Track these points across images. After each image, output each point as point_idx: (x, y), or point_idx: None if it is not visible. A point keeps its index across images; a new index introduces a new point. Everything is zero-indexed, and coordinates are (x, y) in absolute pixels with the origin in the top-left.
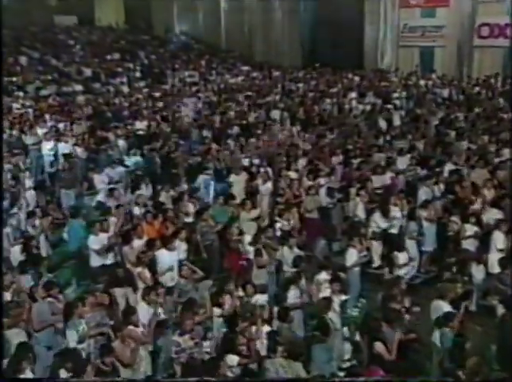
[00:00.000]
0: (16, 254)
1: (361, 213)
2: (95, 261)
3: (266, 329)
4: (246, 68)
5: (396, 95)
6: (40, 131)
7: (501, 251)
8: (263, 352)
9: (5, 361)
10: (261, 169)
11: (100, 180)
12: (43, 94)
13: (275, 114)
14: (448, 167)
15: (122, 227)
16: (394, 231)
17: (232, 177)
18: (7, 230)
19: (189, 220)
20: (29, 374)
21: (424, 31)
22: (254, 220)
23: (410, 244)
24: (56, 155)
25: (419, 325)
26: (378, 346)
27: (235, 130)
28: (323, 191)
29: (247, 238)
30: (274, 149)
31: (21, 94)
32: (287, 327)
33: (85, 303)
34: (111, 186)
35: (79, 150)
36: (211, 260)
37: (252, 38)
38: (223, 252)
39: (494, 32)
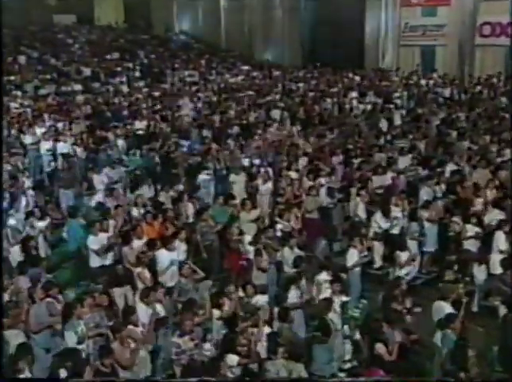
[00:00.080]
0: (15, 254)
1: (361, 213)
2: (95, 261)
3: (267, 330)
4: (246, 67)
5: (397, 94)
6: (38, 131)
7: (503, 251)
8: (264, 354)
9: (5, 361)
10: (262, 169)
11: (99, 180)
12: (42, 93)
13: (275, 113)
14: (450, 167)
15: (122, 227)
16: (395, 231)
17: (232, 177)
18: (6, 230)
19: (189, 220)
20: (27, 375)
21: (425, 30)
22: (254, 220)
23: (411, 245)
24: (54, 155)
25: (420, 326)
26: (379, 347)
27: (235, 129)
28: (323, 191)
29: (247, 238)
30: (274, 148)
31: (19, 93)
32: (288, 327)
33: (84, 304)
34: (111, 186)
35: (78, 150)
36: (211, 260)
37: (252, 37)
38: (223, 252)
39: (496, 30)
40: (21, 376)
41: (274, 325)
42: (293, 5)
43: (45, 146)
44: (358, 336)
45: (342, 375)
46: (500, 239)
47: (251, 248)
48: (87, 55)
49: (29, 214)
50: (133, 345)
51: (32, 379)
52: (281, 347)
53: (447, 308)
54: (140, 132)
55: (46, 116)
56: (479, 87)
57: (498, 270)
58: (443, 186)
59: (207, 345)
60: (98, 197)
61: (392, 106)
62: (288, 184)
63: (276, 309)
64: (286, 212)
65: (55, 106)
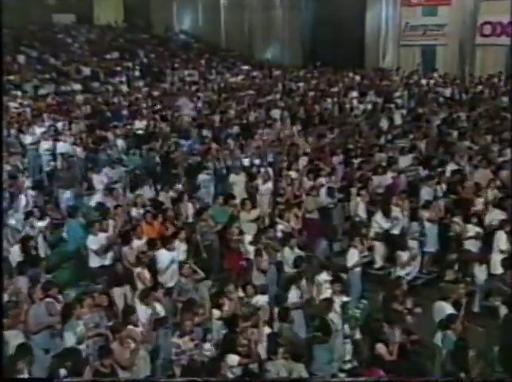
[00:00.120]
0: (15, 254)
1: (362, 213)
2: (94, 262)
3: (267, 330)
4: (246, 67)
5: (397, 94)
6: (38, 131)
7: (504, 251)
8: (264, 354)
9: (4, 362)
10: (262, 169)
11: (99, 180)
12: (41, 93)
13: (275, 113)
14: (451, 167)
15: (122, 227)
16: (396, 231)
17: (232, 177)
18: (5, 230)
19: (189, 220)
20: (26, 376)
21: (425, 30)
22: (254, 220)
23: (412, 245)
24: (54, 155)
25: (421, 327)
26: (380, 347)
27: (235, 129)
28: (323, 191)
29: (247, 238)
30: (275, 148)
31: (18, 93)
32: (288, 327)
33: (83, 304)
34: (111, 186)
35: (78, 150)
36: (211, 260)
37: (252, 37)
38: (223, 252)
39: (497, 30)
40: (21, 376)
41: (274, 325)
42: (294, 5)
43: (45, 145)
44: (358, 336)
45: (342, 375)
46: (501, 239)
47: (251, 248)
48: (87, 54)
49: (28, 214)
50: (132, 345)
51: (32, 379)
52: (281, 347)
53: (448, 308)
54: (139, 132)
55: (45, 116)
56: (479, 87)
57: (498, 270)
58: (443, 186)
59: (207, 345)
60: (98, 197)
61: (392, 105)
62: (288, 184)
63: (276, 310)
64: (286, 212)
65: (54, 105)
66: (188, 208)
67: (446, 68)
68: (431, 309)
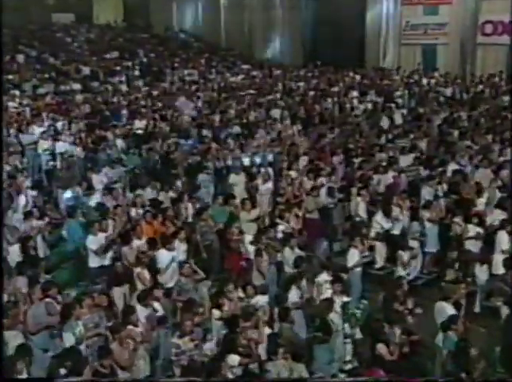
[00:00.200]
0: (14, 254)
1: (362, 213)
2: (94, 262)
3: (267, 330)
4: (246, 66)
5: (398, 93)
6: (37, 130)
7: (505, 252)
8: (264, 355)
9: (4, 362)
10: (262, 169)
11: (98, 180)
12: (40, 92)
13: (275, 113)
14: (452, 167)
15: (122, 227)
16: (397, 231)
17: (232, 177)
18: (4, 230)
19: (189, 219)
20: (25, 376)
21: (426, 29)
22: (254, 220)
23: (413, 245)
24: (53, 154)
25: (422, 327)
26: (380, 347)
27: (235, 129)
28: (323, 191)
29: (247, 238)
30: (275, 148)
31: (17, 93)
32: (288, 327)
33: (82, 305)
34: (111, 186)
35: (77, 150)
36: (211, 260)
37: (252, 36)
38: (223, 252)
39: (498, 29)
40: (20, 376)
41: (275, 325)
42: (294, 4)
43: (44, 145)
44: (358, 336)
45: (342, 375)
46: (502, 240)
47: (251, 248)
48: (86, 54)
49: (27, 214)
50: (132, 346)
51: (32, 379)
52: (281, 347)
53: (449, 309)
54: (139, 131)
55: (45, 115)
56: (480, 87)
57: (500, 270)
58: (444, 186)
59: (207, 346)
60: (97, 197)
61: (393, 105)
62: (288, 184)
63: (276, 310)
64: (286, 212)
65: (53, 105)
66: (188, 208)
67: (447, 68)
68: (432, 309)
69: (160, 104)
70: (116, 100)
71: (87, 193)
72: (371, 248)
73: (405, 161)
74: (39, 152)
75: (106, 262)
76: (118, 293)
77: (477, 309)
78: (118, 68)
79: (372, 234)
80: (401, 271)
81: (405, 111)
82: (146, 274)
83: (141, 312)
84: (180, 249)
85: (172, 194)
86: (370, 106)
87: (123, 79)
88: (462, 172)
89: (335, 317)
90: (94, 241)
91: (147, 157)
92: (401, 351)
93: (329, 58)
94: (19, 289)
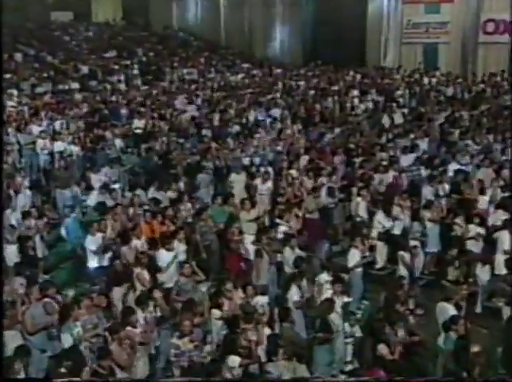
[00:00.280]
0: (12, 254)
1: (363, 213)
2: (92, 262)
3: (267, 331)
4: (246, 65)
5: (399, 92)
6: (35, 129)
7: (507, 252)
8: (264, 356)
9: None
10: (262, 169)
11: (97, 179)
12: (38, 91)
13: (275, 112)
14: (453, 166)
15: (121, 227)
16: (397, 231)
17: (232, 177)
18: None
19: (188, 220)
20: (24, 377)
21: (428, 27)
22: (253, 219)
23: (414, 245)
24: (51, 154)
25: (423, 327)
26: (381, 348)
27: (235, 128)
28: (323, 190)
29: (247, 238)
30: (275, 147)
31: (15, 92)
32: (289, 327)
33: (81, 306)
34: (112, 186)
35: (76, 149)
36: (210, 261)
37: (252, 35)
38: (223, 253)
39: (500, 28)
40: (19, 377)
41: (275, 326)
42: (294, 2)
43: (42, 144)
44: (359, 337)
45: (343, 377)
46: (504, 240)
47: (251, 248)
48: (85, 52)
49: (25, 214)
50: (131, 346)
51: (32, 379)
52: (281, 348)
53: (450, 310)
54: (138, 131)
55: (43, 115)
56: (482, 86)
57: (502, 270)
58: (446, 186)
59: (207, 347)
60: (94, 196)
61: (394, 104)
62: (288, 183)
63: (276, 310)
64: (286, 212)
65: (52, 104)
66: (188, 208)
67: (448, 67)
68: (432, 309)
69: (159, 103)
70: (115, 99)
71: (86, 193)
72: (372, 248)
73: (406, 160)
74: (37, 151)
75: (105, 262)
76: (118, 293)
77: (478, 309)
78: (117, 66)
79: (373, 234)
80: (402, 271)
81: (405, 111)
82: (146, 274)
83: (139, 314)
84: (180, 249)
85: (171, 194)
86: (370, 105)
87: (122, 78)
88: (463, 171)
89: (335, 317)
90: (92, 241)
91: (146, 156)
92: (402, 351)
93: (330, 57)
94: (17, 289)
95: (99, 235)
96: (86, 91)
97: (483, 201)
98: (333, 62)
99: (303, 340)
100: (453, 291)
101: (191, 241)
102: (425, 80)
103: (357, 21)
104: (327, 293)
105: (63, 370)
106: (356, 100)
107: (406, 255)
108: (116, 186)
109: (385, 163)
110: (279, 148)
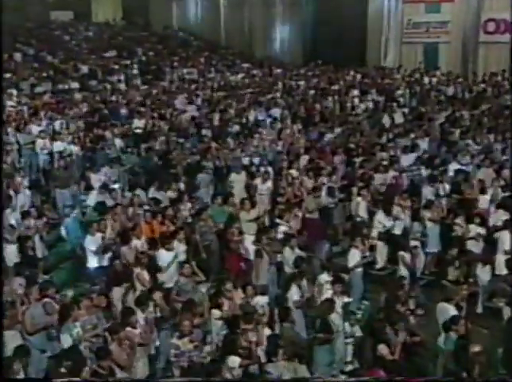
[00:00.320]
0: (11, 255)
1: (363, 213)
2: (92, 262)
3: (267, 332)
4: (246, 65)
5: (399, 92)
6: (34, 129)
7: (507, 252)
8: (264, 356)
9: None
10: (262, 169)
11: (97, 179)
12: (38, 91)
13: (275, 112)
14: (453, 166)
15: (121, 227)
16: (398, 231)
17: (233, 177)
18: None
19: (188, 220)
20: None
21: (428, 27)
22: (253, 219)
23: (414, 245)
24: (51, 154)
25: (423, 328)
26: (382, 348)
27: (235, 128)
28: (323, 190)
29: (247, 238)
30: (275, 147)
31: (14, 91)
32: (289, 327)
33: (80, 306)
34: (111, 186)
35: (75, 149)
36: (210, 261)
37: (252, 35)
38: (223, 253)
39: (500, 27)
40: (17, 377)
41: (275, 326)
42: (294, 2)
43: (41, 144)
44: (359, 337)
45: (343, 377)
46: (505, 240)
47: (251, 248)
48: (85, 52)
49: (25, 214)
50: (130, 346)
51: (32, 379)
52: (281, 348)
53: (451, 310)
54: (138, 131)
55: (42, 114)
56: (482, 85)
57: (503, 271)
58: (446, 185)
59: (207, 347)
60: (93, 196)
61: (394, 104)
62: (288, 183)
63: (276, 311)
64: (287, 212)
65: (51, 104)
66: (188, 208)
67: (449, 66)
68: (433, 310)
69: (159, 103)
70: (115, 99)
71: (86, 193)
72: (372, 248)
73: (407, 160)
74: (37, 151)
75: (105, 262)
76: (118, 293)
77: (479, 310)
78: (117, 66)
79: (374, 234)
80: (403, 271)
81: (406, 110)
82: (146, 275)
83: (139, 315)
84: (180, 249)
85: (171, 193)
86: (370, 105)
87: (122, 77)
88: (464, 171)
89: (335, 317)
90: (92, 241)
91: (146, 156)
92: (403, 351)
93: (330, 57)
94: (16, 289)
95: (99, 235)
96: (86, 90)
97: (484, 201)
98: (333, 62)
99: (303, 340)
100: (454, 291)
101: (191, 241)
102: (426, 80)
103: (357, 20)
104: (328, 293)
105: (62, 370)
106: (356, 100)
107: (407, 256)
108: (116, 186)
109: (385, 163)
110: (279, 148)
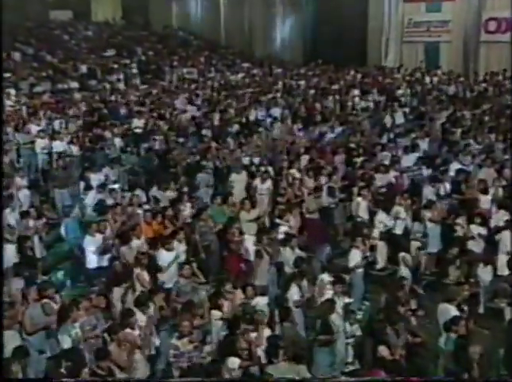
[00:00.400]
0: (10, 255)
1: (363, 213)
2: (91, 262)
3: (267, 332)
4: (246, 64)
5: (400, 91)
6: (33, 129)
7: (509, 252)
8: (265, 357)
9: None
10: (262, 168)
11: (96, 179)
12: (37, 91)
13: (276, 111)
14: (454, 166)
15: (120, 227)
16: (399, 231)
17: (233, 177)
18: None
19: (188, 220)
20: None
21: (429, 26)
22: (253, 220)
23: (414, 245)
24: (50, 153)
25: (424, 328)
26: (382, 350)
27: (235, 128)
28: (324, 190)
29: (247, 238)
30: (275, 147)
31: (12, 91)
32: (290, 327)
33: (79, 307)
34: (111, 186)
35: (74, 149)
36: (210, 261)
37: (252, 34)
38: (222, 253)
39: (502, 26)
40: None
41: (275, 327)
42: (294, 2)
43: (40, 144)
44: (360, 338)
45: (343, 378)
46: (506, 240)
47: (251, 249)
48: (84, 52)
49: (24, 214)
50: (130, 348)
51: (32, 379)
52: (282, 349)
53: (452, 310)
54: (137, 130)
55: (42, 114)
56: (484, 85)
57: (505, 271)
58: (447, 185)
59: (207, 348)
60: (91, 195)
61: (395, 104)
62: (289, 183)
63: (277, 312)
64: (287, 212)
65: (51, 104)
66: (187, 208)
67: (450, 66)
68: (434, 310)
69: (158, 103)
70: (114, 99)
71: (85, 193)
72: (372, 248)
73: (408, 160)
74: (36, 151)
75: (105, 263)
76: (118, 294)
77: (481, 310)
78: (117, 66)
79: (375, 234)
80: (404, 272)
81: (407, 110)
82: (146, 275)
83: (139, 315)
84: (180, 250)
85: (170, 193)
86: (371, 105)
87: (121, 77)
88: (465, 171)
89: (336, 318)
90: (92, 242)
91: (146, 156)
92: (404, 352)
93: (330, 56)
94: (15, 290)
95: (98, 235)
96: (85, 90)
97: (486, 201)
98: (334, 61)
99: (303, 339)
100: (455, 292)
101: (190, 241)
102: (427, 79)
103: (358, 20)
104: (328, 293)
105: (61, 371)
106: (357, 100)
107: (408, 256)
108: (116, 186)
109: (386, 163)
110: (279, 148)
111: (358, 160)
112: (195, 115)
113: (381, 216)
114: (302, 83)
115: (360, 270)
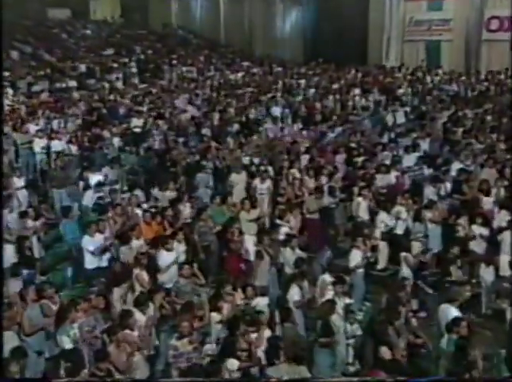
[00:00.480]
0: (8, 255)
1: (363, 213)
2: (90, 263)
3: (268, 333)
4: (246, 63)
5: (401, 91)
6: (32, 129)
7: (510, 253)
8: (265, 358)
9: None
10: (262, 168)
11: (95, 179)
12: (35, 90)
13: (276, 111)
14: (456, 166)
15: (120, 227)
16: (400, 231)
17: (233, 176)
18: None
19: (187, 220)
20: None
21: (430, 25)
22: (253, 220)
23: (415, 246)
24: (48, 153)
25: (424, 328)
26: (384, 352)
27: (235, 127)
28: (324, 190)
29: (247, 238)
30: (275, 146)
31: (10, 91)
32: (290, 327)
33: (78, 308)
34: (110, 186)
35: (73, 148)
36: (209, 261)
37: (252, 32)
38: (222, 253)
39: (504, 25)
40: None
41: (276, 327)
42: (295, 0)
43: (39, 144)
44: (361, 338)
45: (344, 378)
46: (508, 241)
47: (252, 249)
48: (83, 50)
49: (22, 214)
50: (129, 349)
51: (32, 379)
52: (282, 350)
53: (453, 311)
54: (137, 130)
55: (40, 113)
56: (485, 84)
57: (507, 272)
58: (448, 185)
59: (207, 348)
60: (90, 196)
61: (396, 103)
62: (289, 183)
63: (277, 312)
64: (287, 212)
65: (49, 103)
66: (187, 208)
67: (451, 65)
68: (435, 311)
69: (158, 102)
70: (113, 98)
71: (84, 193)
72: (373, 249)
73: (409, 160)
74: (34, 151)
75: (104, 263)
76: (118, 294)
77: (482, 311)
78: (115, 65)
79: (376, 234)
80: (405, 272)
81: (408, 109)
82: (145, 275)
83: (138, 315)
84: (179, 250)
85: (170, 193)
86: (372, 104)
87: (120, 76)
88: (466, 171)
89: (336, 319)
90: (91, 242)
91: (145, 155)
92: (405, 353)
93: (331, 55)
94: (13, 290)
95: (97, 235)
96: (84, 89)
97: (488, 201)
98: (334, 60)
99: (304, 341)
100: (456, 292)
101: (190, 242)
102: (428, 78)
103: (358, 18)
104: (329, 294)
105: (60, 372)
106: (357, 99)
107: (409, 256)
108: (116, 187)
109: (387, 162)
110: (279, 147)
111: (359, 160)
112: (195, 115)
113: (382, 216)
114: (302, 82)
115: (361, 271)
